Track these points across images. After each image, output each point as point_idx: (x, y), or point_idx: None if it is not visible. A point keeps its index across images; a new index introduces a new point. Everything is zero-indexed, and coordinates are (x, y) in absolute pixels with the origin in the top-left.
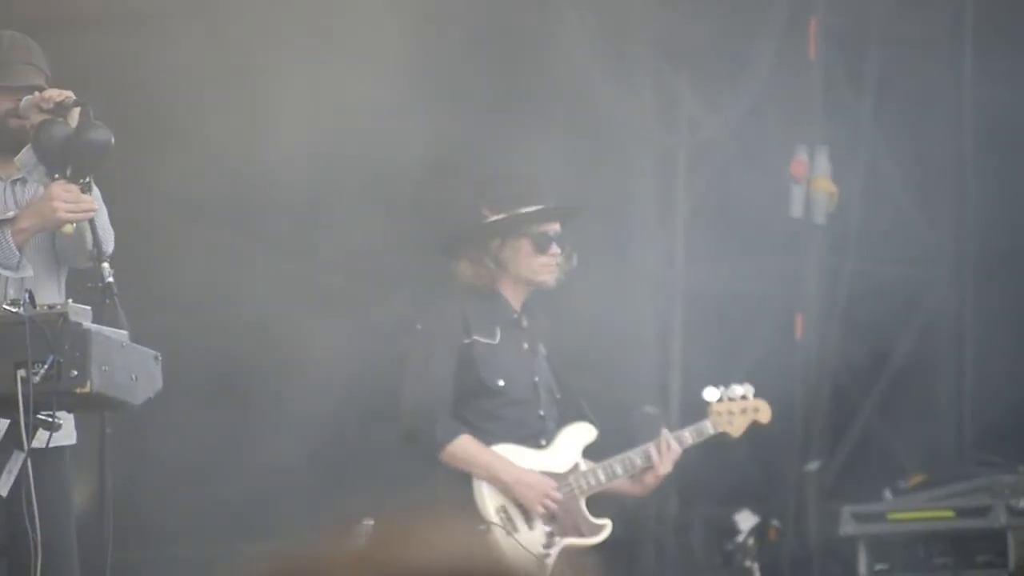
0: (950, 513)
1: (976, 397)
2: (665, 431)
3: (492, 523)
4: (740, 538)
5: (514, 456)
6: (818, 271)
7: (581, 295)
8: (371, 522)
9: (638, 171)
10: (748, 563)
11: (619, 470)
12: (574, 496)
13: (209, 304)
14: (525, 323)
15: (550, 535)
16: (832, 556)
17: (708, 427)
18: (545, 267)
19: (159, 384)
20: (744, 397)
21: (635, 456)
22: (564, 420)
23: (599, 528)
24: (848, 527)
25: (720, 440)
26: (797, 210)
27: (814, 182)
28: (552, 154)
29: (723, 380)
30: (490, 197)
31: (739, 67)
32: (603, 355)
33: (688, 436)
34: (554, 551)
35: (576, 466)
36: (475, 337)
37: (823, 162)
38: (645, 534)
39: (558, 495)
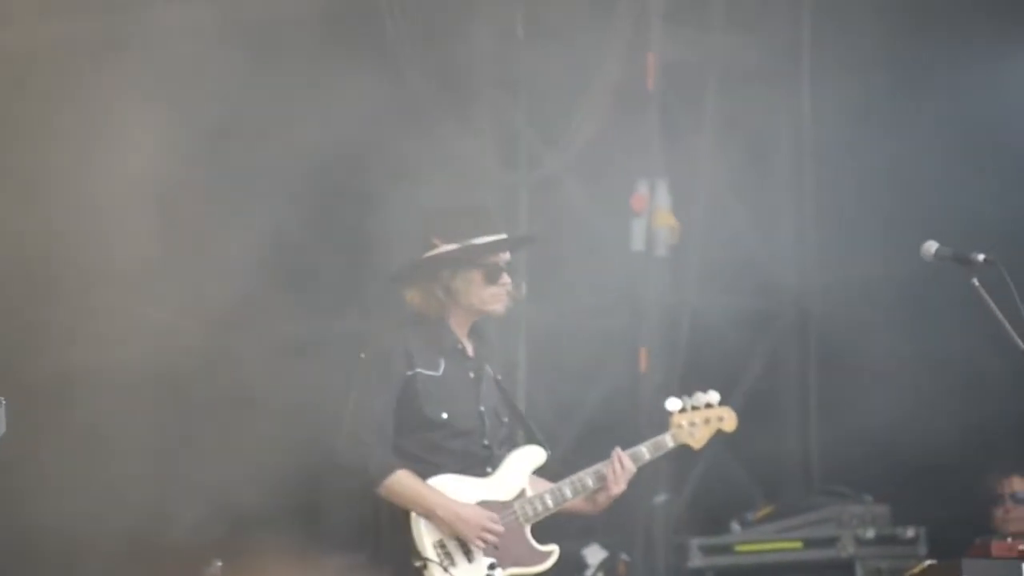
0: (798, 544)
1: (821, 428)
2: (618, 449)
3: (428, 559)
4: (589, 572)
5: (455, 487)
6: (660, 304)
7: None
8: (220, 563)
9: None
10: None
11: (568, 493)
12: (519, 524)
13: None
14: (471, 351)
15: (492, 567)
16: None
17: (667, 440)
18: (495, 297)
19: (1, 428)
20: (708, 405)
21: (586, 477)
22: (513, 444)
23: (544, 556)
24: (696, 560)
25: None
26: (638, 244)
27: (655, 215)
28: (399, 196)
29: (567, 415)
30: (441, 227)
31: (578, 102)
32: None
33: (645, 451)
34: None
35: (522, 492)
36: (418, 369)
37: (663, 195)
38: None
39: (497, 527)
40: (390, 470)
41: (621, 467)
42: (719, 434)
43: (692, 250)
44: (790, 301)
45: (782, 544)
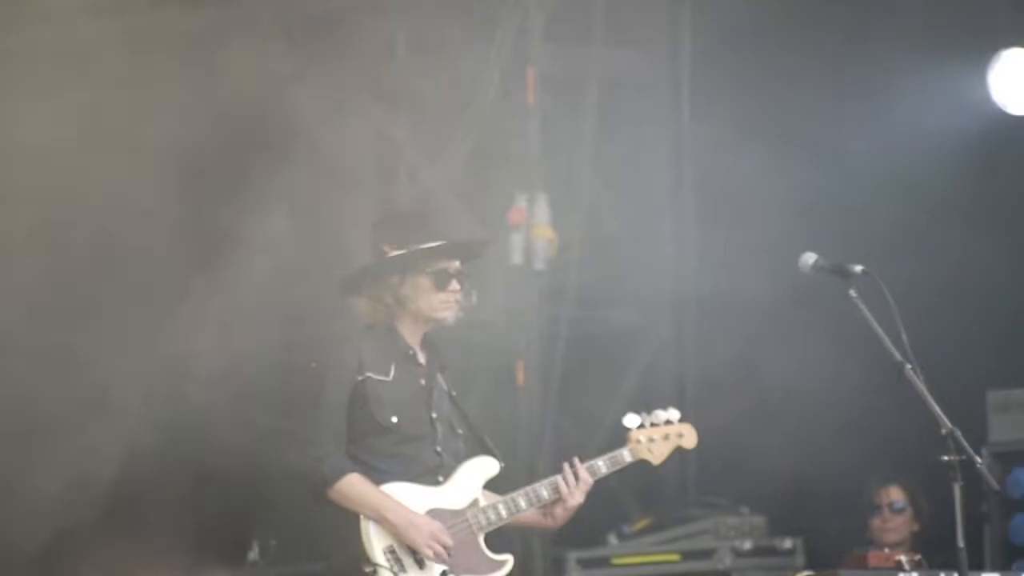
0: (676, 557)
1: (698, 440)
2: (576, 460)
3: (378, 565)
4: None
5: (407, 495)
6: (538, 318)
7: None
8: None
9: (359, 222)
10: None
11: (523, 503)
12: (472, 533)
13: None
14: (422, 359)
15: (444, 574)
16: None
17: (625, 455)
18: (444, 304)
19: None
20: (668, 422)
21: (541, 488)
22: (466, 455)
23: (498, 565)
24: (574, 573)
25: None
26: (517, 257)
27: (533, 229)
28: (277, 205)
29: None
30: (390, 234)
31: (458, 115)
32: None
33: (603, 465)
34: None
35: (475, 502)
36: (368, 374)
37: (542, 209)
38: None
39: (446, 539)
40: (342, 472)
41: (576, 479)
42: (679, 450)
43: (570, 263)
44: (668, 314)
45: (659, 557)
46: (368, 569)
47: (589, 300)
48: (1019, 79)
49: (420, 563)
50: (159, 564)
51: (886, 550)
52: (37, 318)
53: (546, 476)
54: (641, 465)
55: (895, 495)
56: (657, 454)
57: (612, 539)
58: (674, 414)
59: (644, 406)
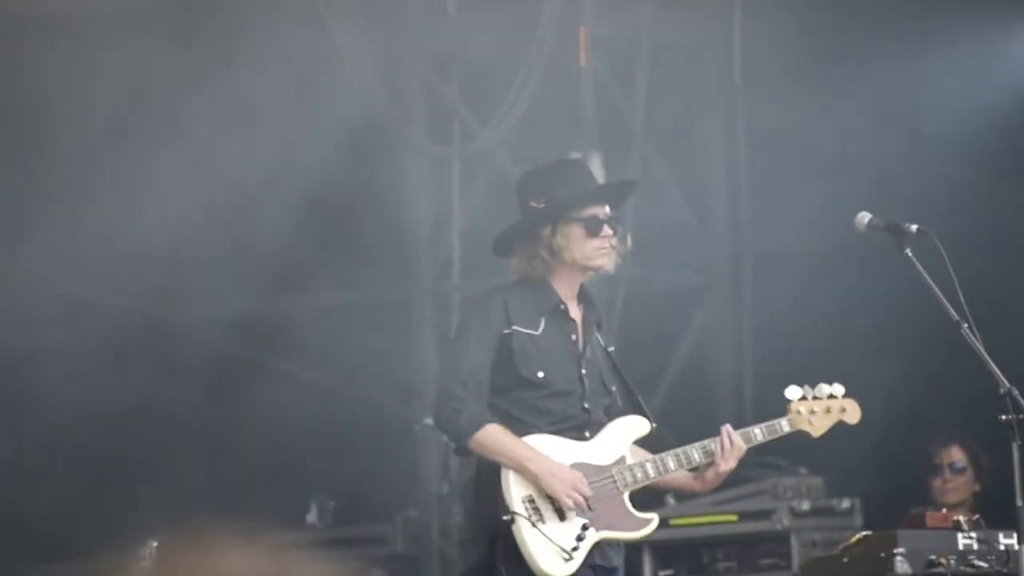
0: (733, 517)
1: (756, 400)
2: (728, 427)
3: (516, 513)
4: None
5: (551, 447)
6: (596, 277)
7: (362, 308)
8: (156, 543)
9: (414, 182)
10: None
11: (672, 464)
12: (616, 490)
13: None
14: (576, 314)
15: (584, 527)
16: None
17: (784, 425)
18: (599, 251)
19: None
20: (832, 396)
21: (693, 451)
22: (618, 413)
23: (642, 523)
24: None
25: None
26: None
27: None
28: (333, 165)
29: None
30: (534, 188)
31: (510, 76)
32: (386, 372)
33: (759, 433)
34: (585, 544)
35: (622, 459)
36: (515, 327)
37: (596, 168)
38: (429, 547)
39: (586, 489)
40: (480, 423)
41: (731, 443)
42: (840, 424)
43: (625, 222)
44: (724, 273)
45: (717, 517)
46: (506, 517)
47: (644, 260)
48: None
49: (560, 514)
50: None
51: (944, 510)
52: None
53: None
54: (800, 436)
55: (956, 455)
56: (817, 426)
57: (670, 500)
58: (839, 389)
59: (702, 367)
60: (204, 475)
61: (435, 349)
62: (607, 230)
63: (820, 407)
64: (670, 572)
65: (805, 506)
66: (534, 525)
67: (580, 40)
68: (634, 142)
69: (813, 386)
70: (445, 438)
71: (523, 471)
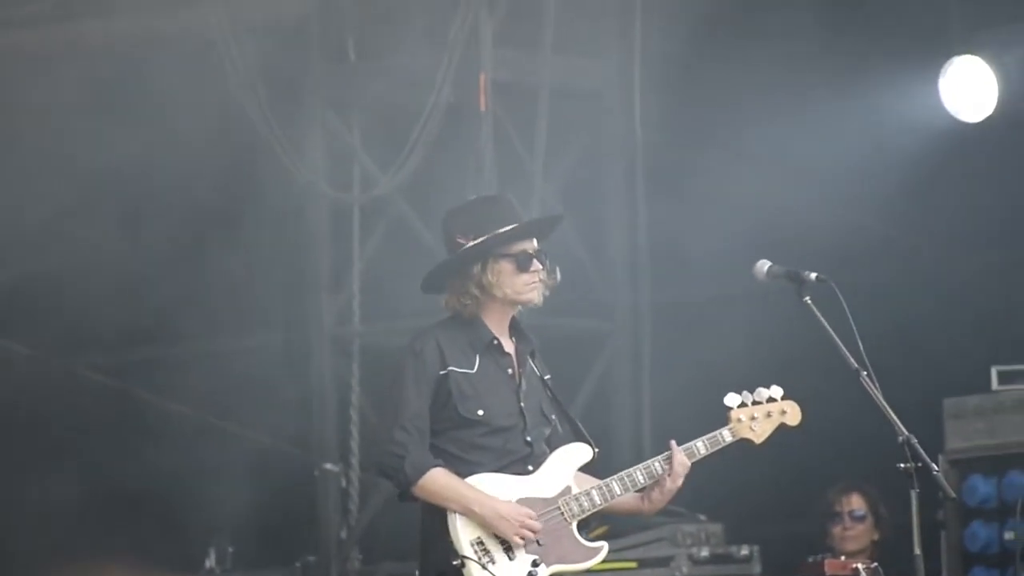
0: (633, 564)
1: (654, 446)
2: (673, 443)
3: (466, 557)
4: None
5: (495, 485)
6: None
7: (262, 353)
8: None
9: (313, 228)
10: None
11: (617, 489)
12: (564, 521)
13: None
14: (509, 348)
15: (535, 564)
16: None
17: (726, 435)
18: (529, 286)
19: None
20: (771, 399)
21: (637, 473)
22: (558, 443)
23: (592, 552)
24: None
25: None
26: None
27: None
28: (233, 213)
29: None
30: (461, 225)
31: (410, 122)
32: (285, 416)
33: (702, 447)
34: None
35: (567, 489)
36: (451, 368)
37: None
38: None
39: (535, 524)
40: (424, 469)
41: (675, 462)
42: (782, 428)
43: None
44: (624, 319)
45: (616, 564)
46: (456, 562)
47: (544, 306)
48: (969, 86)
49: (510, 553)
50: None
51: (842, 558)
52: None
53: None
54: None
55: (856, 503)
56: (759, 432)
57: None
58: (776, 391)
59: (601, 413)
60: (101, 521)
61: (335, 394)
62: (536, 264)
63: (760, 412)
64: None
65: (704, 553)
66: (484, 568)
67: (480, 86)
68: (534, 189)
69: (751, 390)
70: (390, 482)
71: (470, 514)
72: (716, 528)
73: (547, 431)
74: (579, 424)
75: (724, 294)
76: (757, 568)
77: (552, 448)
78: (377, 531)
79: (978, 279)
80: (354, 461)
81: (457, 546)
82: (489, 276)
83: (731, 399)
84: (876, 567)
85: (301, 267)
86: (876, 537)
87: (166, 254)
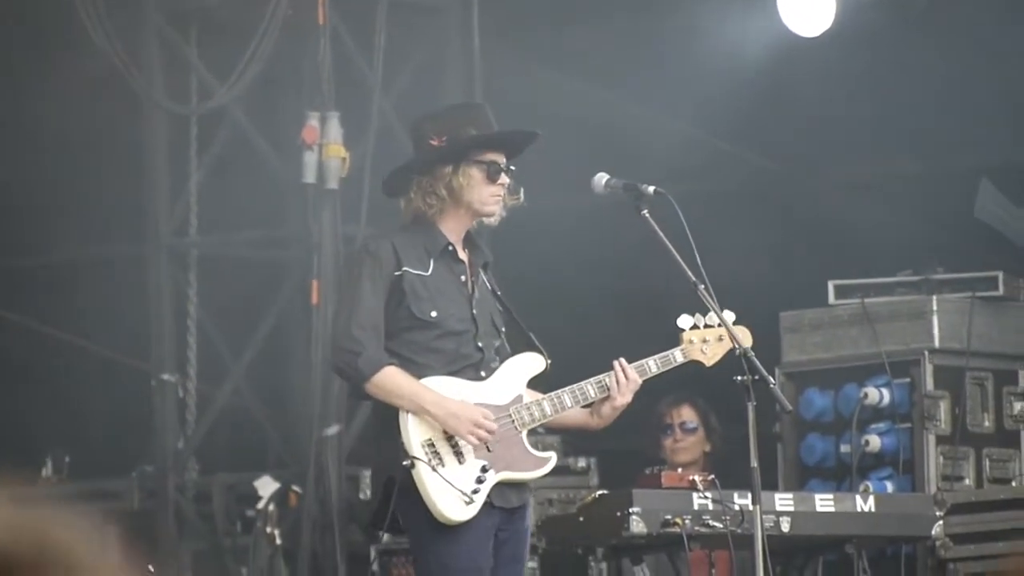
0: None
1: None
2: (622, 360)
3: (415, 458)
4: (261, 504)
5: (447, 388)
6: (332, 237)
7: (98, 265)
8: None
9: (149, 141)
10: (269, 529)
11: (568, 401)
12: (514, 429)
13: None
14: (464, 256)
15: (484, 469)
16: (353, 520)
17: (677, 355)
18: (494, 198)
19: None
20: (723, 324)
21: (588, 386)
22: (509, 354)
23: (540, 462)
24: (368, 491)
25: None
26: (310, 176)
27: (326, 148)
28: (73, 123)
29: (238, 346)
30: (436, 127)
31: (249, 33)
32: (123, 327)
33: (653, 365)
34: (484, 487)
35: (518, 398)
36: (405, 268)
37: (335, 128)
38: (165, 502)
39: (490, 424)
40: (379, 366)
41: (625, 378)
42: (733, 352)
43: (363, 182)
44: None
45: None
46: (406, 462)
47: (382, 219)
48: (806, 1)
49: (460, 457)
50: None
51: (679, 470)
52: None
53: (341, 394)
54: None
55: (686, 415)
56: (710, 355)
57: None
58: (729, 315)
59: None
60: None
61: (172, 305)
62: (504, 178)
63: (712, 335)
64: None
65: None
66: (434, 469)
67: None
68: (373, 102)
69: (704, 314)
70: (341, 381)
71: (422, 413)
72: (553, 440)
73: (497, 342)
74: (532, 336)
75: (566, 207)
76: (595, 479)
77: (502, 359)
78: (214, 442)
79: (815, 194)
80: (191, 372)
81: (407, 447)
82: (460, 179)
83: (684, 320)
84: (713, 479)
85: (138, 179)
86: (707, 448)
87: (2, 165)
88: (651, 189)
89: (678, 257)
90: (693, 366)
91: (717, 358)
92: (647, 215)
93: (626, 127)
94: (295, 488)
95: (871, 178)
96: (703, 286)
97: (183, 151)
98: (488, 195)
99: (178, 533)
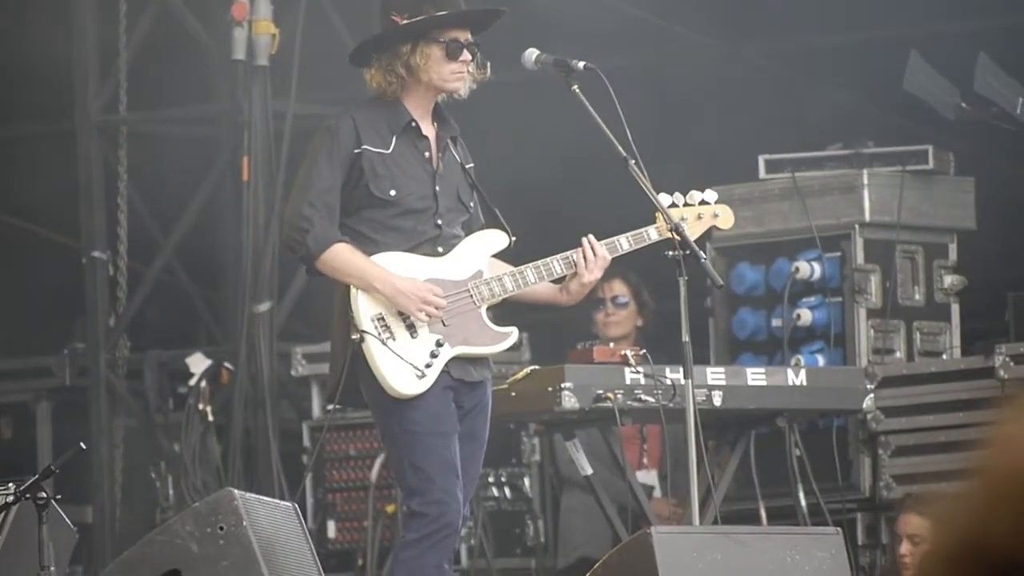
0: None
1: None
2: (591, 236)
3: (364, 332)
4: (192, 381)
5: (402, 264)
6: (263, 113)
7: (27, 142)
8: None
9: (77, 17)
10: (201, 406)
11: (531, 277)
12: (472, 304)
13: None
14: (429, 131)
15: (438, 344)
16: (285, 397)
17: (651, 233)
18: (456, 74)
19: None
20: (704, 202)
21: (554, 262)
22: (476, 229)
23: (500, 337)
24: (300, 368)
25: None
26: (239, 52)
27: (256, 24)
28: None
29: (168, 223)
30: (400, 3)
31: None
32: (53, 204)
33: (625, 242)
34: (438, 361)
35: (478, 273)
36: (365, 147)
37: (264, 4)
38: (97, 380)
39: (439, 300)
40: (328, 243)
41: (593, 254)
42: (713, 230)
43: (293, 58)
44: None
45: None
46: (355, 336)
47: (311, 95)
48: None
49: (412, 332)
50: None
51: (611, 344)
52: None
53: (271, 270)
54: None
55: (618, 289)
56: (690, 232)
57: None
58: (711, 195)
59: None
60: None
61: (102, 183)
62: (466, 55)
63: (691, 213)
64: (338, 405)
65: None
66: (384, 343)
67: None
68: None
69: (685, 193)
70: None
71: (370, 290)
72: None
73: (463, 217)
74: (498, 212)
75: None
76: (526, 355)
77: (468, 233)
78: (145, 319)
79: (742, 67)
80: (122, 249)
81: (357, 321)
82: (417, 58)
83: (662, 199)
84: (644, 353)
85: (68, 55)
86: (639, 323)
87: None
88: (581, 64)
89: (609, 133)
90: None
91: (697, 235)
92: (577, 90)
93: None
94: (227, 365)
95: (800, 50)
96: (634, 161)
97: (112, 27)
98: (449, 72)
99: (110, 410)
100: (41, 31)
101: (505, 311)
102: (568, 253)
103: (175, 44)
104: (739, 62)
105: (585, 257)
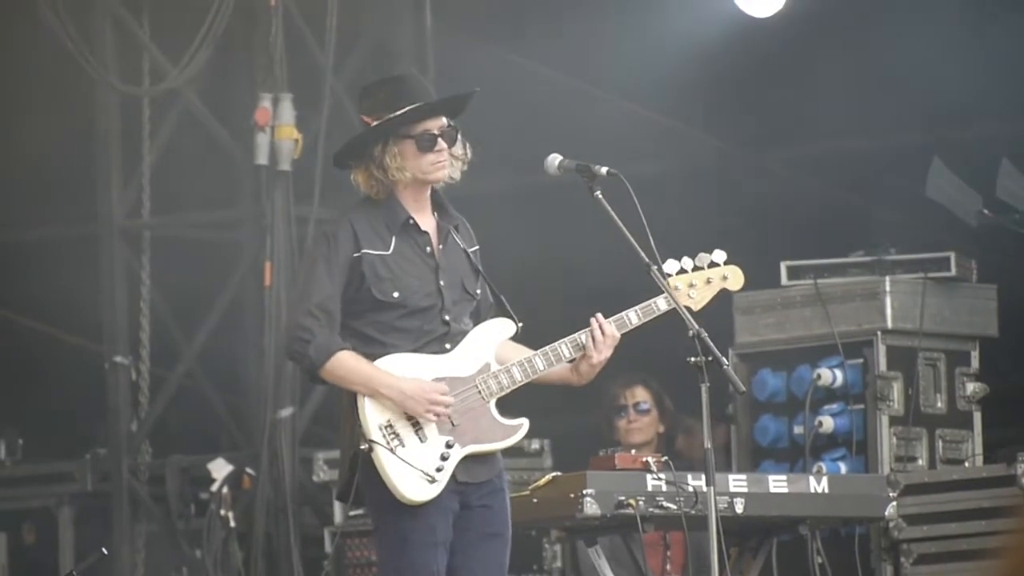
0: None
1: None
2: (599, 316)
3: (373, 442)
4: (215, 487)
5: (406, 365)
6: (285, 218)
7: (51, 246)
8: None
9: (101, 122)
10: (223, 512)
11: (540, 365)
12: (480, 400)
13: None
14: (428, 224)
15: (448, 445)
16: (307, 503)
17: (660, 304)
18: (435, 165)
19: None
20: (713, 264)
21: (561, 347)
22: (483, 318)
23: (511, 430)
24: (322, 474)
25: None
26: (262, 158)
27: (279, 129)
28: (23, 104)
29: (191, 328)
30: (368, 105)
31: (201, 15)
32: (76, 309)
33: (634, 317)
34: (449, 464)
35: (485, 367)
36: (364, 250)
37: (287, 110)
38: (119, 485)
39: (445, 399)
40: (330, 353)
41: (602, 334)
42: (723, 293)
43: (315, 164)
44: None
45: None
46: (364, 447)
47: (334, 200)
48: None
49: (421, 436)
50: None
51: (633, 451)
52: None
53: (294, 375)
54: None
55: (640, 395)
56: (698, 299)
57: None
58: (719, 255)
59: None
60: None
61: (125, 287)
62: (441, 143)
63: (700, 278)
64: (361, 511)
65: None
66: (393, 452)
67: None
68: (325, 84)
69: (693, 257)
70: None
71: (377, 396)
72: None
73: (470, 307)
74: (502, 298)
75: (519, 186)
76: (548, 461)
77: (479, 322)
78: (167, 424)
79: (766, 174)
80: (144, 354)
81: (365, 430)
82: (388, 159)
83: (669, 265)
84: (666, 460)
85: (92, 160)
86: (661, 429)
87: None
88: (604, 170)
89: (631, 238)
90: (645, 345)
91: (706, 301)
92: (600, 196)
93: (579, 107)
94: (249, 471)
95: (821, 157)
96: (656, 267)
97: (136, 133)
98: (427, 164)
99: (132, 516)
100: (65, 136)
101: (522, 404)
102: (576, 335)
103: (198, 149)
104: (759, 168)
105: (594, 338)
